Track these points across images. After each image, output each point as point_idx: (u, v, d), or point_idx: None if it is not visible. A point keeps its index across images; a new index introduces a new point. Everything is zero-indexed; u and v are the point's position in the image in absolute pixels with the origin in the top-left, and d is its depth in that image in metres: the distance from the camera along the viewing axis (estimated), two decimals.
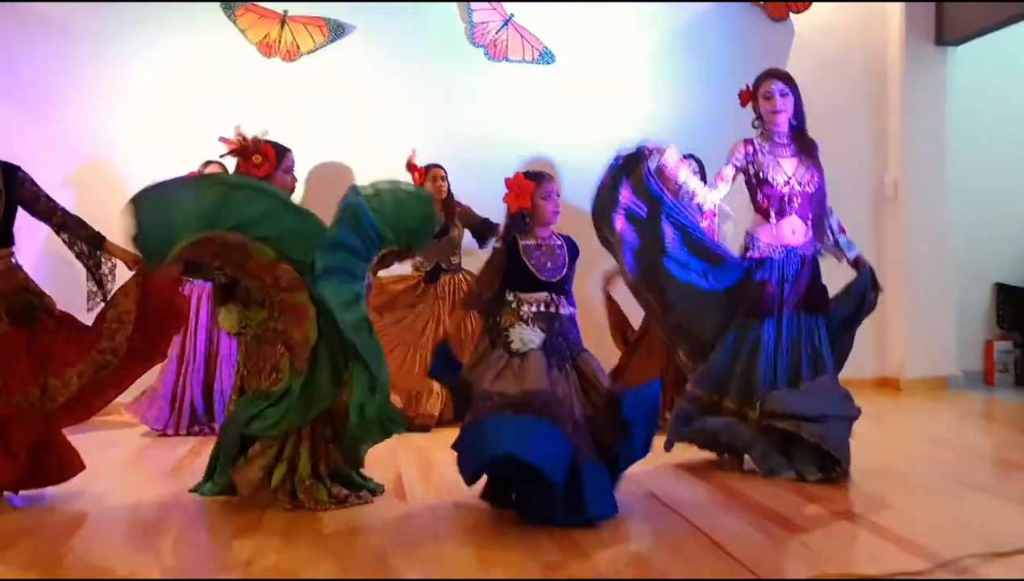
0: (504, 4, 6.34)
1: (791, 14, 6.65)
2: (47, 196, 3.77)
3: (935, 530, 3.09)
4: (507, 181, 3.47)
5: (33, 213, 3.76)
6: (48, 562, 2.90)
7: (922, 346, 6.63)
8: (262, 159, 3.67)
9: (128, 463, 4.60)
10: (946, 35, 6.52)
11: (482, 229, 5.64)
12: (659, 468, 4.00)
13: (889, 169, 6.72)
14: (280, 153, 3.74)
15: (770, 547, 2.98)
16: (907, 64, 6.57)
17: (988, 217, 6.83)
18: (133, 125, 5.99)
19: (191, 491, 3.71)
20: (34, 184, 3.74)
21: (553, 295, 3.42)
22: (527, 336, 3.30)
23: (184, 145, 5.71)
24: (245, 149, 3.68)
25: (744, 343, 4.01)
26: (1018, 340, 6.83)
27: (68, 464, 3.64)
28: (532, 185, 3.41)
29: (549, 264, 3.45)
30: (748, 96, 4.16)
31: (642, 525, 3.24)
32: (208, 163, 5.46)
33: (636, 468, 3.51)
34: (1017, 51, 6.69)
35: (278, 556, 2.94)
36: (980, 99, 6.71)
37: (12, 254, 3.71)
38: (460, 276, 5.62)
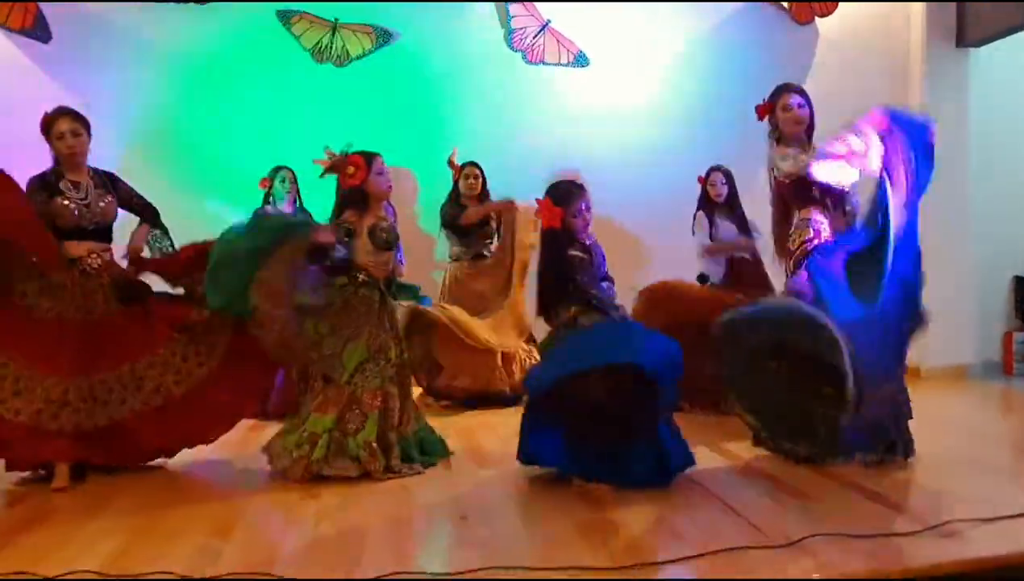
0: (540, 9, 6.69)
1: (816, 17, 6.92)
2: (138, 194, 4.27)
3: (930, 499, 3.43)
4: (538, 202, 3.86)
5: (131, 210, 4.27)
6: (144, 517, 3.33)
7: (942, 336, 6.82)
8: (355, 169, 4.03)
9: None
10: (967, 37, 6.76)
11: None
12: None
13: None
14: (368, 160, 4.09)
15: (778, 511, 3.33)
16: (928, 65, 6.83)
17: (1008, 213, 7.08)
18: (196, 129, 6.42)
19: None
20: (127, 184, 4.23)
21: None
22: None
23: (247, 148, 6.16)
24: (338, 164, 4.06)
25: None
26: None
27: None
28: (560, 211, 3.80)
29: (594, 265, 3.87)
30: (765, 110, 4.42)
31: (666, 493, 3.60)
32: (278, 168, 5.91)
33: None
34: None
35: (339, 515, 3.35)
36: (1001, 99, 6.96)
37: (111, 249, 4.17)
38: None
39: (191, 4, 6.42)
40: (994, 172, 6.92)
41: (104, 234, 4.15)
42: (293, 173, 6.00)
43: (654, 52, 6.82)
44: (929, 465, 4.03)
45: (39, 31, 6.34)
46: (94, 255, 4.08)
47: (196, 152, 6.41)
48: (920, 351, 6.88)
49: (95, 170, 4.20)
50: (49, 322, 3.92)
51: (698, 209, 5.60)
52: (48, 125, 4.12)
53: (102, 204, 4.11)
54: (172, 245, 4.37)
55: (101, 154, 4.43)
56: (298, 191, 6.01)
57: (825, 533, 2.98)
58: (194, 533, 3.16)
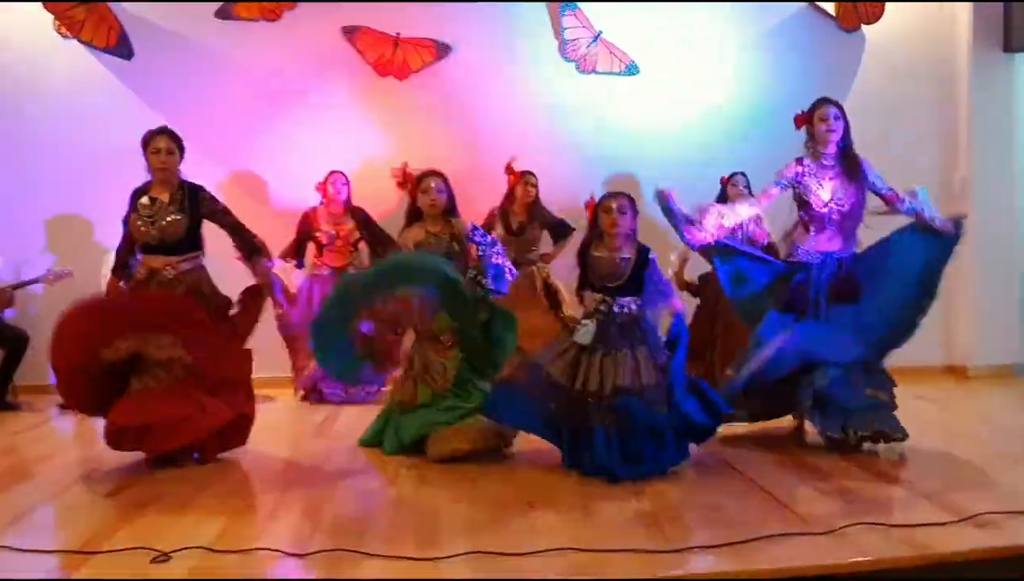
0: (593, 20, 6.96)
1: (862, 24, 7.10)
2: (225, 209, 4.60)
3: (966, 491, 3.65)
4: (587, 204, 4.22)
5: (216, 223, 4.59)
6: (241, 500, 3.68)
7: (988, 335, 7.05)
8: (409, 185, 4.60)
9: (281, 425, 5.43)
10: (1013, 42, 6.91)
11: (558, 229, 6.35)
12: (729, 438, 4.61)
13: (958, 168, 7.14)
14: (419, 179, 4.62)
15: (820, 501, 3.59)
16: (975, 70, 6.99)
17: None
18: (269, 137, 6.80)
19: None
20: (215, 200, 4.56)
21: (606, 298, 4.15)
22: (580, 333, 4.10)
23: (313, 155, 6.53)
24: (407, 180, 4.57)
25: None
26: None
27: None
28: (592, 203, 4.24)
29: (608, 271, 4.15)
30: (803, 119, 4.69)
31: (716, 481, 3.90)
32: (332, 173, 6.28)
33: (712, 442, 4.21)
34: None
35: (416, 501, 3.67)
36: None
37: (198, 257, 4.52)
38: (534, 269, 6.28)
39: (261, 21, 6.80)
40: None
41: (173, 249, 4.44)
42: (346, 177, 6.36)
43: (703, 60, 7.06)
44: (966, 459, 4.27)
45: (122, 48, 6.78)
46: (168, 267, 4.43)
47: (263, 159, 6.81)
48: (966, 351, 7.07)
49: (183, 185, 4.52)
50: None
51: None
52: (147, 141, 4.48)
53: (164, 222, 4.41)
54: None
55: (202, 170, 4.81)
56: (350, 193, 6.36)
57: (864, 522, 3.23)
58: (288, 514, 3.51)
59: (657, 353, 4.12)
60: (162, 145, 4.45)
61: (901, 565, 2.95)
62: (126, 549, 3.07)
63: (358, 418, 5.27)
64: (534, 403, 4.14)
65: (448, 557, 2.94)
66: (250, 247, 4.61)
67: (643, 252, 4.19)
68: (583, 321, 4.15)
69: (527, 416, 4.19)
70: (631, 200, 4.22)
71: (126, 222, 4.56)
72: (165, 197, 4.45)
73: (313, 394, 6.17)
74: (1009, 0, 6.86)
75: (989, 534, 3.14)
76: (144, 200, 4.43)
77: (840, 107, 4.66)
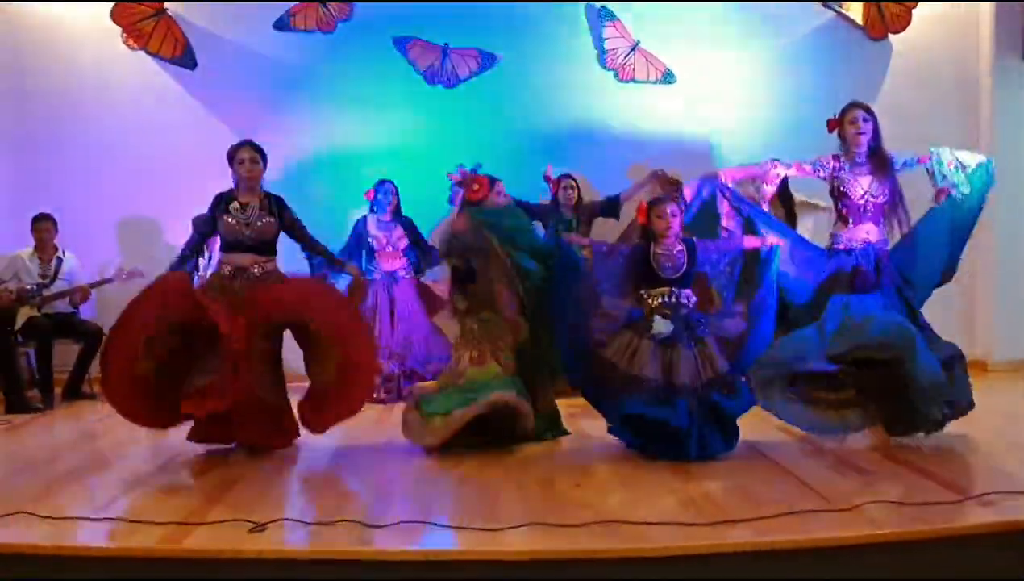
0: (631, 30, 7.33)
1: (889, 34, 7.41)
2: (301, 223, 5.06)
3: (974, 476, 4.02)
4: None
5: (291, 235, 5.04)
6: (318, 481, 4.12)
7: (1009, 330, 7.36)
8: (479, 187, 4.94)
9: None
10: None
11: (608, 207, 6.72)
12: (759, 426, 4.99)
13: None
14: (492, 182, 5.00)
15: (840, 482, 3.96)
16: (996, 77, 7.32)
17: None
18: (323, 142, 7.24)
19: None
20: (293, 213, 5.03)
21: (673, 289, 4.55)
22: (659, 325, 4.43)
23: (365, 159, 6.95)
24: (467, 181, 5.00)
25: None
26: None
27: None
28: (644, 207, 4.66)
29: (669, 265, 4.53)
30: (835, 123, 5.04)
31: (746, 465, 4.30)
32: (382, 181, 6.76)
33: (741, 425, 4.58)
34: None
35: (476, 480, 4.10)
36: None
37: (274, 261, 4.97)
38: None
39: (316, 32, 7.24)
40: None
41: (264, 248, 4.92)
42: (395, 186, 6.76)
43: (736, 68, 7.42)
44: (977, 446, 4.62)
45: (187, 59, 7.26)
46: (256, 265, 4.88)
47: (317, 165, 7.25)
48: (987, 346, 7.38)
49: (267, 194, 4.99)
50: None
51: None
52: (232, 153, 4.93)
53: (260, 223, 4.88)
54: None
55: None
56: (398, 202, 6.76)
57: (879, 501, 3.60)
58: (361, 492, 3.96)
59: (721, 341, 4.62)
60: (246, 156, 4.90)
61: (909, 538, 3.32)
62: (225, 521, 3.49)
63: None
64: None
65: (507, 529, 3.35)
66: (330, 257, 5.19)
67: (691, 243, 4.68)
68: (656, 317, 4.55)
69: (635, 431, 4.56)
70: (678, 203, 4.65)
71: (202, 222, 5.02)
72: (255, 202, 4.91)
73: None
74: None
75: (989, 512, 3.49)
76: (235, 205, 4.88)
77: (868, 109, 5.00)
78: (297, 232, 5.05)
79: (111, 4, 7.09)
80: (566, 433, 5.02)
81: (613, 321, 4.68)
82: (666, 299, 4.59)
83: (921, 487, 3.89)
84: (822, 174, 5.04)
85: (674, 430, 4.31)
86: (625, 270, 4.74)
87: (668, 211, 4.65)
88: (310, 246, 5.14)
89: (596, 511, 3.55)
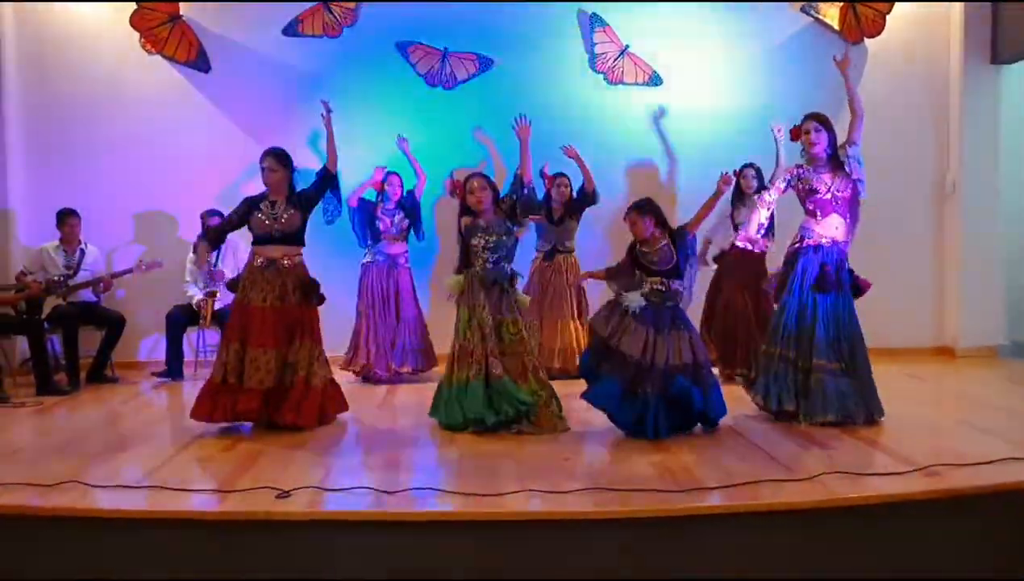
0: (619, 35, 7.75)
1: (865, 38, 7.83)
2: (309, 188, 5.55)
3: (925, 450, 4.44)
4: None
5: (315, 200, 5.54)
6: (334, 455, 4.58)
7: (975, 320, 7.80)
8: (458, 192, 5.48)
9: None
10: (1000, 55, 7.66)
11: (583, 197, 7.06)
12: (738, 411, 5.44)
13: (949, 169, 7.89)
14: (464, 183, 5.42)
15: (803, 456, 4.43)
16: (965, 80, 7.73)
17: None
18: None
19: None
20: (305, 189, 5.51)
21: (663, 278, 5.02)
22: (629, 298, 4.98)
23: (371, 157, 7.36)
24: (456, 188, 5.46)
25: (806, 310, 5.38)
26: None
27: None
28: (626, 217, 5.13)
29: (656, 258, 4.99)
30: (797, 132, 5.47)
31: (720, 440, 4.79)
32: (390, 174, 7.11)
33: None
34: None
35: (474, 454, 4.56)
36: None
37: (301, 253, 5.43)
38: (572, 257, 7.14)
39: (324, 37, 7.65)
40: (1022, 174, 7.78)
41: (292, 240, 5.38)
42: (399, 177, 7.16)
43: (719, 71, 7.83)
44: (935, 426, 5.11)
45: (201, 63, 7.66)
46: (286, 258, 5.34)
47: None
48: (955, 334, 7.84)
49: (292, 191, 5.44)
50: (257, 310, 5.23)
51: (732, 201, 6.80)
52: (261, 159, 5.37)
53: (284, 217, 5.34)
54: None
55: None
56: (403, 193, 7.12)
57: (836, 471, 4.06)
58: (375, 464, 4.40)
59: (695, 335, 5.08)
60: (266, 165, 5.37)
61: (860, 503, 3.78)
62: (254, 488, 3.94)
63: (406, 395, 6.32)
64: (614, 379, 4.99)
65: (507, 494, 3.80)
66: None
67: (677, 232, 5.09)
68: (628, 293, 5.04)
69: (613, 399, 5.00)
70: (644, 207, 5.08)
71: (231, 215, 5.52)
72: (281, 199, 5.37)
73: (368, 373, 7.02)
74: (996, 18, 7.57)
75: (932, 481, 3.95)
76: (264, 203, 5.36)
77: (821, 120, 5.40)
78: (311, 192, 5.51)
79: (131, 10, 7.46)
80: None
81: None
82: (657, 286, 5.03)
83: (876, 460, 4.36)
84: (793, 185, 5.45)
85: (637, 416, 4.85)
86: (629, 268, 5.18)
87: (639, 219, 5.07)
88: (320, 181, 5.55)
89: (583, 480, 4.01)
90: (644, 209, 5.07)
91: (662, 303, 5.02)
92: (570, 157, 6.96)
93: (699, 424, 5.07)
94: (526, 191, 5.57)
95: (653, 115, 7.80)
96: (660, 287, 5.02)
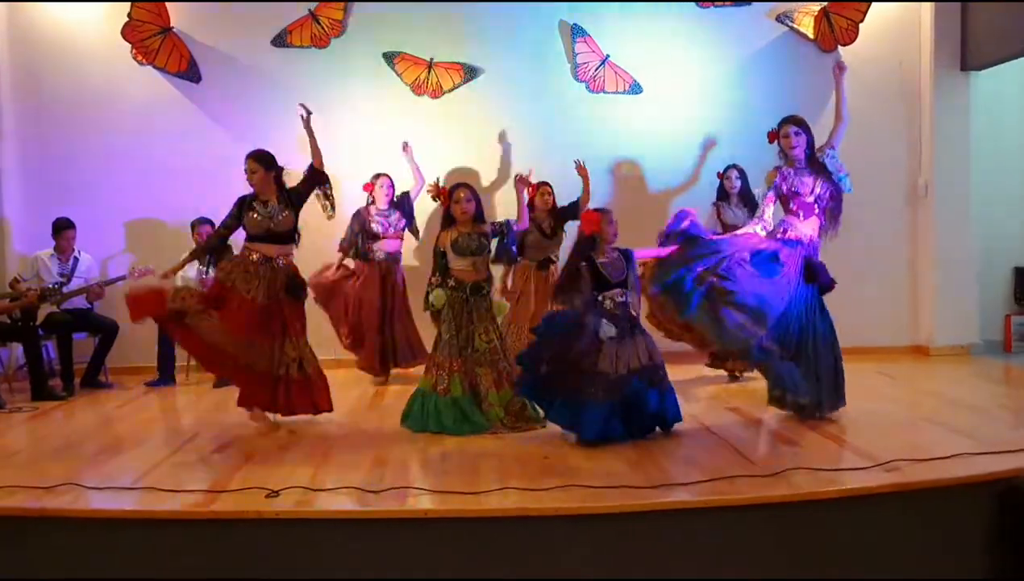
0: (601, 45, 7.94)
1: (839, 46, 8.03)
2: (297, 187, 5.72)
3: (887, 446, 4.62)
4: (582, 216, 5.34)
5: (304, 195, 5.70)
6: (321, 456, 4.77)
7: (949, 319, 8.01)
8: (443, 199, 5.62)
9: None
10: (969, 62, 7.87)
11: (570, 211, 7.15)
12: (711, 408, 5.65)
13: (922, 173, 8.10)
14: (450, 192, 5.58)
15: (772, 454, 4.63)
16: (936, 87, 7.95)
17: (1009, 213, 8.21)
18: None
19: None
20: (295, 188, 5.71)
21: (622, 290, 5.17)
22: (605, 329, 5.05)
23: (357, 163, 7.54)
24: (440, 193, 5.66)
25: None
26: None
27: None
28: (597, 216, 5.17)
29: (613, 269, 5.17)
30: (774, 135, 5.66)
31: (692, 438, 5.00)
32: (379, 175, 7.26)
33: (694, 408, 5.26)
34: None
35: (457, 454, 4.75)
36: (1000, 115, 8.02)
37: (292, 251, 5.61)
38: (556, 266, 7.29)
39: (312, 48, 7.83)
40: (995, 178, 8.00)
41: (285, 238, 5.56)
42: (390, 179, 7.29)
43: (698, 79, 8.04)
44: (900, 422, 5.30)
45: (191, 73, 7.84)
46: (281, 256, 5.53)
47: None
48: (929, 333, 8.05)
49: (283, 190, 5.61)
50: (243, 299, 5.39)
51: (716, 200, 7.03)
52: (245, 162, 5.54)
53: (280, 217, 5.52)
54: None
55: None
56: (394, 193, 7.28)
57: (801, 467, 4.26)
58: (362, 464, 4.58)
59: (650, 339, 5.19)
60: (247, 167, 5.54)
61: (823, 497, 3.97)
62: (244, 489, 4.12)
63: (393, 396, 6.49)
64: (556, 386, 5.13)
65: (486, 492, 3.98)
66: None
67: (626, 252, 5.24)
68: (604, 321, 5.10)
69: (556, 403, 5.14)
70: (611, 213, 5.28)
71: (227, 220, 5.64)
72: (273, 200, 5.55)
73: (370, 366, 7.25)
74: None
75: (892, 476, 4.14)
76: (256, 203, 5.53)
77: (800, 122, 5.59)
78: (302, 186, 5.69)
79: (123, 22, 7.62)
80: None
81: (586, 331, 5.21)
82: (617, 300, 5.16)
83: (839, 455, 4.56)
84: (778, 188, 5.63)
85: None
86: (586, 282, 5.25)
87: (613, 220, 5.26)
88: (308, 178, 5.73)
89: (560, 477, 4.20)
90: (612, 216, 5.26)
91: (623, 314, 5.16)
92: (580, 175, 7.04)
93: (657, 428, 5.15)
94: (507, 242, 5.78)
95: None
96: (621, 299, 5.16)
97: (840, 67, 5.80)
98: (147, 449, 5.12)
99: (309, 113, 5.79)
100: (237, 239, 5.85)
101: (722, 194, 7.07)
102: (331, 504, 3.97)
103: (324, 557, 3.79)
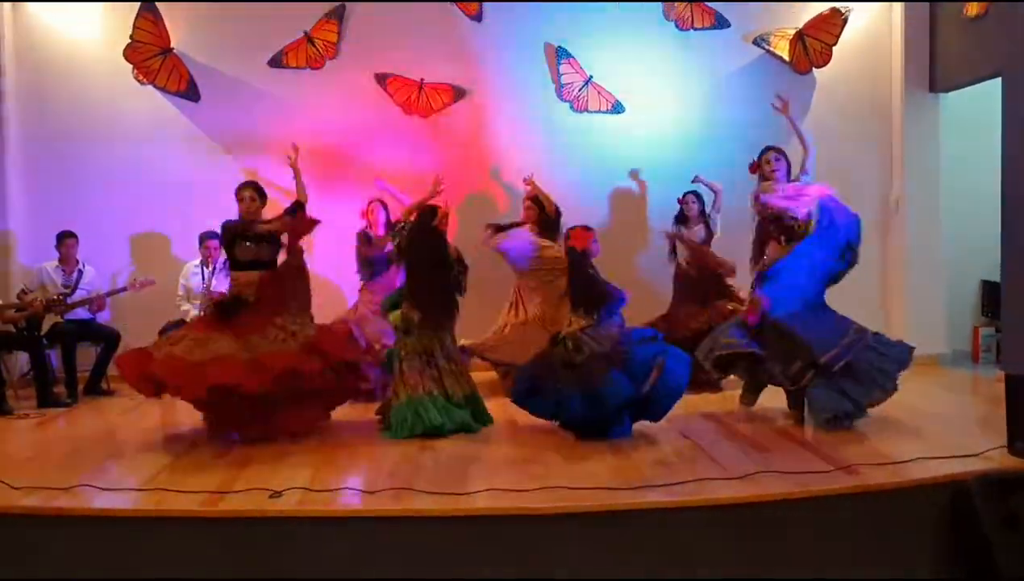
0: (584, 66, 8.26)
1: (813, 68, 8.37)
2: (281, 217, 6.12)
3: (851, 451, 4.95)
4: (569, 232, 5.69)
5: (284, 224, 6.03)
6: (321, 459, 5.06)
7: (918, 330, 8.27)
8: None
9: None
10: (938, 84, 8.23)
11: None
12: (689, 415, 5.95)
13: (893, 189, 8.44)
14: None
15: (741, 458, 4.93)
16: (906, 107, 8.30)
17: (977, 227, 8.47)
18: (313, 166, 8.03)
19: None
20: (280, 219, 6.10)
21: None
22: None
23: (352, 182, 7.84)
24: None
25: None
26: (999, 326, 8.45)
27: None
28: (590, 234, 5.50)
29: None
30: (755, 166, 6.01)
31: (668, 443, 5.31)
32: (371, 202, 7.56)
33: (673, 413, 5.61)
34: (995, 94, 8.24)
35: (445, 458, 5.05)
36: (970, 134, 8.32)
37: None
38: None
39: (307, 69, 8.12)
40: (963, 195, 8.32)
41: (271, 267, 5.88)
42: (384, 205, 7.62)
43: (677, 100, 8.35)
44: (865, 430, 5.60)
45: (191, 93, 8.11)
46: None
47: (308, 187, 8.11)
48: None
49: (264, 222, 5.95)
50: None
51: (675, 223, 7.50)
52: (237, 191, 5.84)
53: (268, 248, 5.87)
54: None
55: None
56: (388, 218, 7.55)
57: (768, 471, 4.57)
58: (359, 467, 4.87)
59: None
60: (246, 195, 5.84)
61: (787, 498, 4.28)
62: (248, 490, 4.40)
63: None
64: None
65: (474, 492, 4.28)
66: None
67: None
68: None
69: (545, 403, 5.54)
70: None
71: (224, 248, 6.03)
72: (258, 228, 5.87)
73: None
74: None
75: (853, 478, 4.46)
76: (249, 233, 5.84)
77: (779, 150, 6.00)
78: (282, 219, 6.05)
79: (125, 43, 7.90)
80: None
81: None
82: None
83: (806, 460, 4.87)
84: (758, 210, 5.96)
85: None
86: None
87: (594, 237, 5.66)
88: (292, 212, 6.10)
89: (542, 479, 4.50)
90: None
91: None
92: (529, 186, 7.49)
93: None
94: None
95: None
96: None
97: (781, 99, 6.20)
98: (151, 454, 5.37)
99: (296, 150, 6.09)
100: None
101: (681, 218, 7.49)
102: (330, 504, 4.25)
103: (323, 554, 4.07)
